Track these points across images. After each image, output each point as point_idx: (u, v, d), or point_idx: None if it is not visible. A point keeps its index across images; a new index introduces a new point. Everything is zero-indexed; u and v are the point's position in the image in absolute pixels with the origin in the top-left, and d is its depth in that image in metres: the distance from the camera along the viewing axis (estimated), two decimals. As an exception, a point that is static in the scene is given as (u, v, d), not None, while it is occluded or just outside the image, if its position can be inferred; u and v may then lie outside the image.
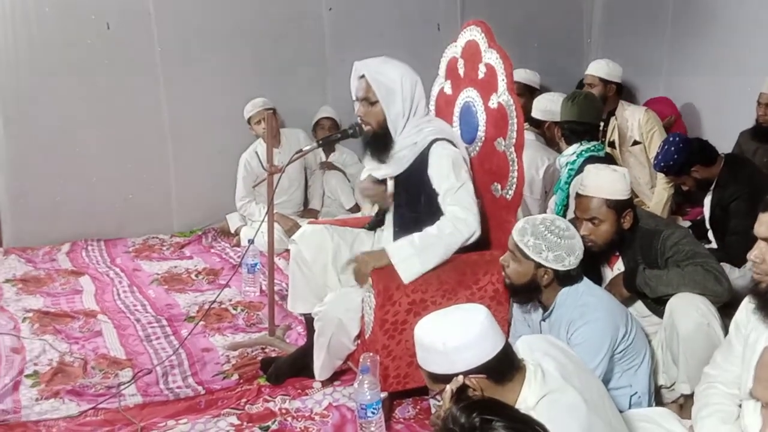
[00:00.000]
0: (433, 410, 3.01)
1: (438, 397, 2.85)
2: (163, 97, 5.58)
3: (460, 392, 2.01)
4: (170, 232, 5.76)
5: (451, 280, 3.01)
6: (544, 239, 2.64)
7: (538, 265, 2.66)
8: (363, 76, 3.12)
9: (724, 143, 4.54)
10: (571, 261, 2.66)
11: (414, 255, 2.95)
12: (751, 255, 2.14)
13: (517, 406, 2.00)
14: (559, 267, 2.65)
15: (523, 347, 2.16)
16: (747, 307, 2.28)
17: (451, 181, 3.01)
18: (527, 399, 2.01)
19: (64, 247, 5.40)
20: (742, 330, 2.31)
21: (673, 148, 4.03)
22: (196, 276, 4.88)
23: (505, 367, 2.03)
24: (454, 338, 2.00)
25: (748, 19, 5.04)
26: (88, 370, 3.55)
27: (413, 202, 3.15)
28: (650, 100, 5.68)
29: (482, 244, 3.20)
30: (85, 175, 5.49)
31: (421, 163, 3.08)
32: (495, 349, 2.01)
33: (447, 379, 2.00)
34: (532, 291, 2.72)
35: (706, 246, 3.62)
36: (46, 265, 5.07)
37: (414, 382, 3.08)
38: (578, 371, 2.15)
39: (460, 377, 1.99)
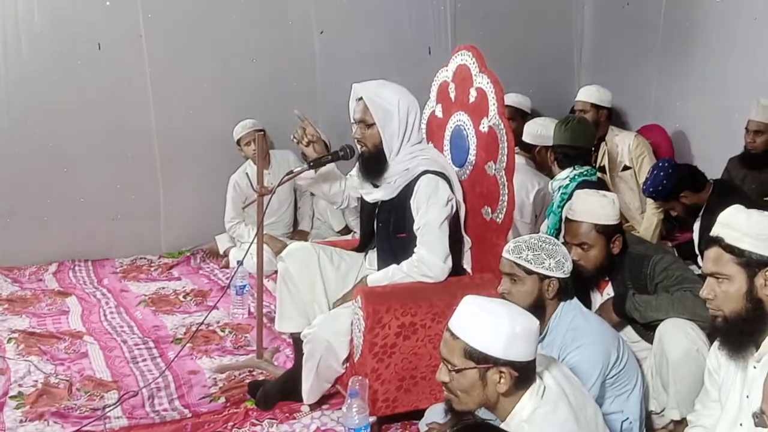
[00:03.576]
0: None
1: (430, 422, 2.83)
2: (153, 117, 5.58)
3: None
4: (158, 253, 5.73)
5: (441, 303, 3.00)
6: (541, 249, 2.66)
7: (543, 278, 2.66)
8: (361, 99, 3.13)
9: (713, 169, 4.56)
10: (568, 267, 2.69)
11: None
12: (703, 293, 2.22)
13: (512, 414, 2.08)
14: (561, 274, 2.67)
15: None
16: (715, 351, 2.32)
17: (425, 217, 3.06)
18: (524, 408, 2.07)
19: (51, 267, 5.37)
20: (714, 376, 2.35)
21: (662, 174, 4.05)
22: (184, 297, 4.85)
23: (531, 373, 2.10)
24: (522, 325, 2.07)
25: (736, 47, 5.09)
26: (74, 391, 3.51)
27: (398, 227, 3.18)
28: (643, 128, 5.71)
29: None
30: (74, 195, 5.47)
31: (407, 191, 3.12)
32: (534, 355, 2.09)
33: (482, 359, 2.04)
34: (538, 310, 2.66)
35: (695, 271, 3.63)
36: (33, 285, 5.03)
37: (403, 406, 3.07)
38: (574, 391, 2.19)
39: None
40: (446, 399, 2.18)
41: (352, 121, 3.21)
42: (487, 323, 2.05)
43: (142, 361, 3.88)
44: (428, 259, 3.04)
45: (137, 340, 4.14)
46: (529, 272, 2.66)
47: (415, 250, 3.08)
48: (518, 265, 2.67)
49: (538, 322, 2.15)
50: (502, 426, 2.11)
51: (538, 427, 2.01)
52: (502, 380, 2.04)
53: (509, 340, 2.03)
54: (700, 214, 4.05)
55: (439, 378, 2.13)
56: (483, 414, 2.37)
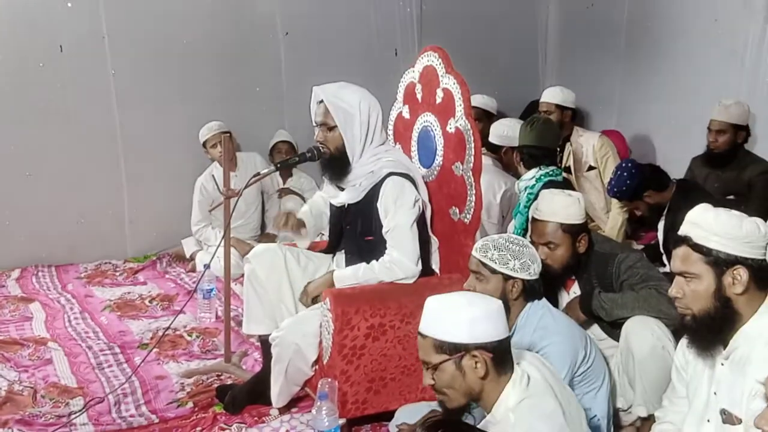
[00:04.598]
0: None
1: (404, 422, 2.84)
2: (116, 120, 5.51)
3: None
4: (123, 258, 5.67)
5: (410, 304, 3.00)
6: (507, 249, 2.67)
7: (507, 278, 2.67)
8: (322, 101, 3.13)
9: (677, 169, 4.63)
10: (535, 269, 2.70)
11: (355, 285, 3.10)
12: (672, 291, 2.23)
13: (497, 404, 2.10)
14: (526, 276, 2.68)
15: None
16: (683, 348, 2.34)
17: (394, 220, 3.06)
18: (509, 398, 2.09)
19: (13, 273, 5.28)
20: (682, 373, 2.38)
21: (625, 174, 4.10)
22: (150, 302, 4.80)
23: (507, 355, 2.13)
24: (480, 307, 2.11)
25: (698, 48, 5.17)
26: (38, 399, 3.46)
27: (365, 230, 3.18)
28: (602, 132, 5.77)
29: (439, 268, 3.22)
30: (36, 198, 5.38)
31: (374, 194, 3.12)
32: (506, 333, 2.14)
33: (452, 349, 2.08)
34: None
35: (660, 269, 3.68)
36: (-5, 292, 4.95)
37: (373, 407, 3.06)
38: (559, 386, 2.22)
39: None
40: (439, 402, 2.22)
41: (314, 124, 3.20)
42: (447, 313, 2.11)
43: (107, 366, 3.83)
44: (400, 261, 3.05)
45: (103, 345, 4.09)
46: (494, 271, 2.68)
47: (387, 251, 3.08)
48: (483, 264, 2.69)
49: (500, 302, 2.19)
50: (488, 418, 2.14)
51: (525, 418, 2.03)
52: (478, 365, 2.07)
53: (472, 323, 2.08)
54: (664, 213, 4.11)
55: (425, 383, 2.16)
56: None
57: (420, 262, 3.10)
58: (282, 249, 3.35)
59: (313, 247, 3.51)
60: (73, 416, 3.27)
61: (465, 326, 2.07)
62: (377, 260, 3.10)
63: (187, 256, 5.56)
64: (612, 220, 4.86)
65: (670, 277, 3.42)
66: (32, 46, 5.21)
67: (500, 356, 2.10)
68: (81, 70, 5.35)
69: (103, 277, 5.29)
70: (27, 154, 5.31)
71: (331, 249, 3.44)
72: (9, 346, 4.01)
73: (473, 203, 3.14)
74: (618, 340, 2.98)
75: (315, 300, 3.14)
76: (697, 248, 2.16)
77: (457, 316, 2.09)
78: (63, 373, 3.75)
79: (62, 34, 5.27)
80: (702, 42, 5.14)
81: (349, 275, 3.11)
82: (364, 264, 3.12)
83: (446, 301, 2.16)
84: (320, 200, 3.56)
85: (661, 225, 4.19)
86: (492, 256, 2.67)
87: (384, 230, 3.09)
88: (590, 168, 5.11)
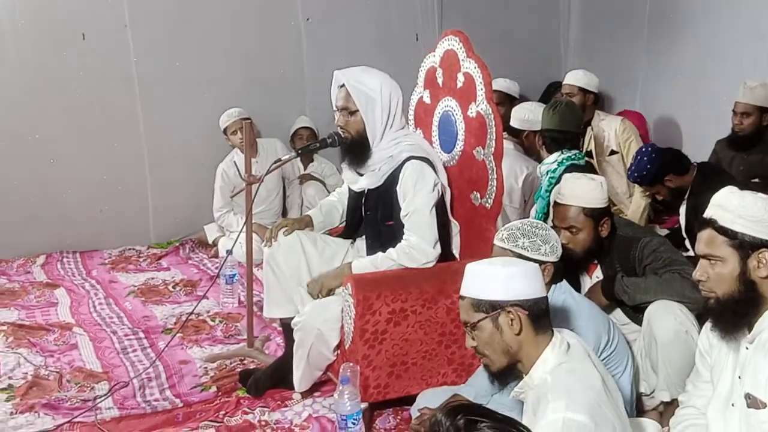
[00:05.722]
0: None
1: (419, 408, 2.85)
2: (139, 107, 5.55)
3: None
4: (147, 244, 5.71)
5: (431, 289, 3.01)
6: (536, 235, 2.66)
7: (539, 264, 2.65)
8: (343, 85, 3.12)
9: (701, 152, 4.58)
10: (559, 251, 2.70)
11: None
12: (696, 275, 2.22)
13: (535, 366, 2.12)
14: (555, 258, 2.68)
15: None
16: (707, 332, 2.32)
17: (413, 204, 3.05)
18: (547, 360, 2.11)
19: (39, 259, 5.35)
20: (706, 357, 2.36)
21: (646, 158, 4.08)
22: (174, 287, 4.84)
23: (543, 314, 2.15)
24: (516, 267, 2.19)
25: (722, 30, 5.10)
26: (64, 383, 3.50)
27: (386, 215, 3.18)
28: (622, 112, 5.71)
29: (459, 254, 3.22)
30: (61, 186, 5.44)
31: (393, 178, 3.11)
32: (542, 293, 2.17)
33: (489, 307, 2.12)
34: None
35: (684, 254, 3.65)
36: (21, 278, 5.01)
37: (394, 392, 3.07)
38: (600, 364, 2.22)
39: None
40: (483, 365, 2.25)
41: (335, 108, 3.19)
42: (483, 273, 2.17)
43: (132, 351, 3.87)
44: (419, 245, 3.04)
45: (127, 330, 4.13)
46: (525, 260, 2.65)
47: (405, 236, 3.07)
48: (514, 253, 2.65)
49: (536, 265, 2.24)
50: (525, 380, 2.15)
51: (562, 380, 2.04)
52: (514, 322, 2.10)
53: (507, 280, 2.12)
54: (686, 197, 4.07)
55: (467, 345, 2.22)
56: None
57: (438, 245, 3.09)
58: (298, 233, 3.35)
59: (330, 232, 3.52)
60: (98, 400, 3.31)
61: (501, 285, 2.12)
62: (394, 247, 3.09)
63: (210, 241, 5.60)
64: (634, 205, 4.82)
65: (693, 261, 3.41)
66: (54, 35, 5.26)
67: (536, 315, 2.13)
68: (103, 59, 5.38)
69: (127, 263, 5.34)
70: (51, 142, 5.36)
71: (348, 234, 3.45)
72: (35, 332, 4.06)
73: (494, 188, 3.12)
74: (641, 325, 2.97)
75: (330, 292, 3.12)
76: (722, 231, 2.14)
77: (493, 276, 2.14)
78: (88, 358, 3.79)
79: (85, 23, 5.31)
80: (727, 22, 5.06)
81: (368, 265, 3.10)
82: (381, 253, 3.11)
83: (484, 263, 2.22)
84: (334, 197, 3.56)
85: (682, 209, 4.15)
86: (523, 244, 2.64)
87: (402, 214, 3.08)
88: (612, 152, 5.07)
